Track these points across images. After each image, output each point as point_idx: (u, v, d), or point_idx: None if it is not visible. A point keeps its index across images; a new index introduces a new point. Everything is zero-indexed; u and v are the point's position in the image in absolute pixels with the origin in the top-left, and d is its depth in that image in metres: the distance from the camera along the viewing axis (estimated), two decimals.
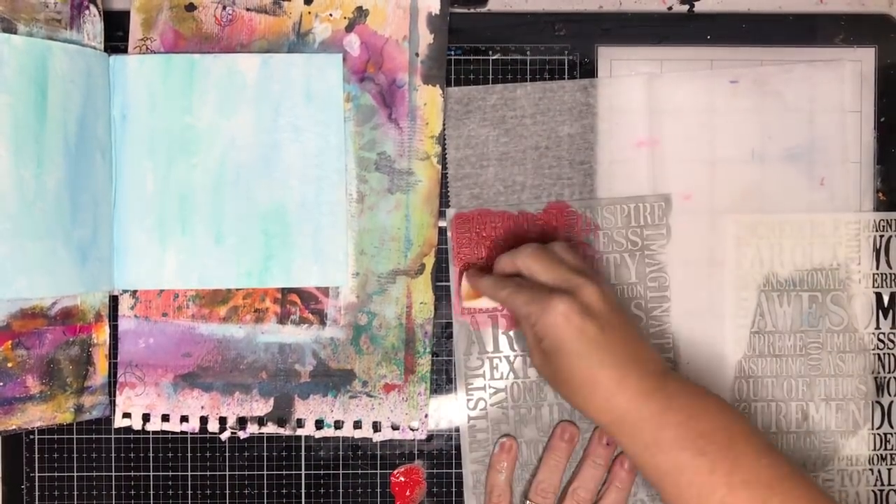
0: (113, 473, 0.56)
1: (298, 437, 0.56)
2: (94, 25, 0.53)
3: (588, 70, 0.56)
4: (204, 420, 0.55)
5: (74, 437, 0.56)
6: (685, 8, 0.57)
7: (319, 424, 0.55)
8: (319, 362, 0.55)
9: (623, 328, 0.48)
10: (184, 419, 0.55)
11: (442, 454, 0.56)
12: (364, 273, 0.55)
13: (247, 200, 0.54)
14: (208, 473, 0.56)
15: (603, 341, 0.47)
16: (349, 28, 0.55)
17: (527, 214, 0.56)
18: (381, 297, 0.55)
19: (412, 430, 0.56)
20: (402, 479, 0.56)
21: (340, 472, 0.56)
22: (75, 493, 0.56)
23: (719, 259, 0.56)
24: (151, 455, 0.56)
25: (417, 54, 0.55)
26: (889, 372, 0.57)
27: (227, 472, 0.56)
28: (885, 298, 0.57)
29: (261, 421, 0.55)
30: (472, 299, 0.54)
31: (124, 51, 0.55)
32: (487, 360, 0.56)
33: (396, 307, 0.55)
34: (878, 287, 0.56)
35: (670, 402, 0.46)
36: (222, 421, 0.55)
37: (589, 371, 0.47)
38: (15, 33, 0.50)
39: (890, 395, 0.57)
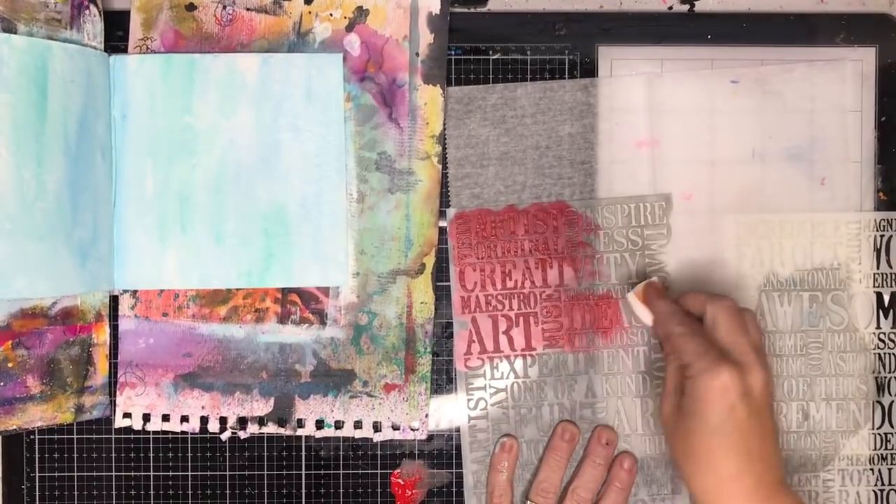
0: (113, 473, 0.56)
1: (299, 437, 0.56)
2: (94, 25, 0.53)
3: (588, 70, 0.56)
4: (204, 420, 0.55)
5: (75, 437, 0.56)
6: (685, 8, 0.57)
7: (320, 424, 0.55)
8: (320, 362, 0.55)
9: (766, 425, 0.47)
10: (184, 419, 0.55)
11: (442, 454, 0.56)
12: (364, 273, 0.55)
13: (247, 200, 0.54)
14: (208, 473, 0.56)
15: (745, 428, 0.46)
16: (349, 28, 0.55)
17: (515, 209, 0.56)
18: (381, 297, 0.55)
19: (412, 430, 0.56)
20: (402, 479, 0.56)
21: (341, 472, 0.56)
22: (75, 493, 0.56)
23: (719, 259, 0.56)
24: (151, 455, 0.56)
25: (418, 54, 0.55)
26: (889, 372, 0.56)
27: (228, 472, 0.56)
28: (886, 298, 0.56)
29: (261, 421, 0.55)
30: (639, 300, 0.53)
31: (124, 51, 0.55)
32: (487, 360, 0.56)
33: (397, 307, 0.55)
34: (878, 287, 0.56)
35: None
36: (223, 421, 0.55)
37: (717, 450, 0.46)
38: (15, 33, 0.50)
39: (890, 394, 0.57)
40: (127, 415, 0.55)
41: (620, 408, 0.56)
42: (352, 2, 0.55)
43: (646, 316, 0.52)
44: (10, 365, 0.51)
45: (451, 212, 0.56)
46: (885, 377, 0.56)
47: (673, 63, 0.56)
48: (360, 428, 0.55)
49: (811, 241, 0.56)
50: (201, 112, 0.54)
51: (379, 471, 0.56)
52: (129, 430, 0.56)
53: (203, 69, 0.54)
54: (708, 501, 0.47)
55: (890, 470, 0.56)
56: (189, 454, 0.56)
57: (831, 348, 0.56)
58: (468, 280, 0.56)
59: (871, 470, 0.56)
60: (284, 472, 0.56)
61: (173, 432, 0.56)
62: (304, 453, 0.56)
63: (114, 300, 0.55)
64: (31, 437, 0.56)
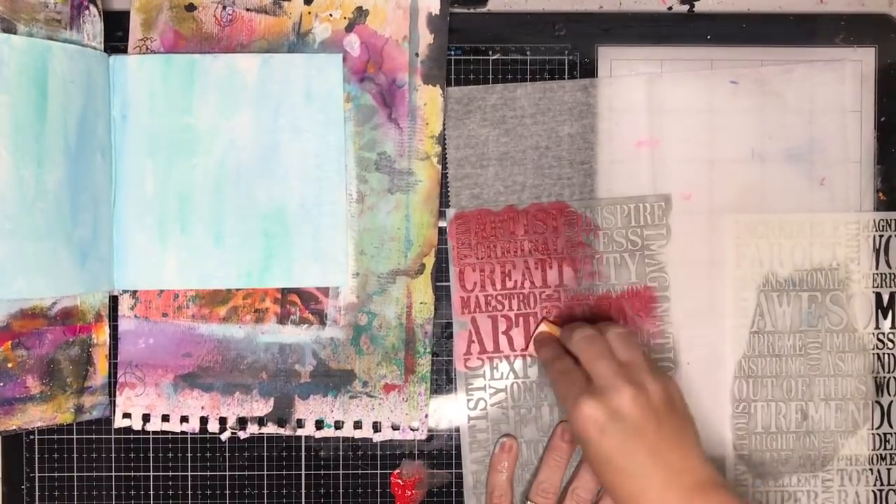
0: (113, 473, 0.56)
1: (298, 438, 0.56)
2: (94, 25, 0.53)
3: (588, 70, 0.56)
4: (204, 420, 0.55)
5: (74, 437, 0.56)
6: (685, 8, 0.57)
7: (319, 424, 0.55)
8: (319, 362, 0.55)
9: (656, 437, 0.46)
10: (184, 419, 0.55)
11: (442, 454, 0.56)
12: (364, 273, 0.55)
13: (247, 200, 0.54)
14: (208, 473, 0.56)
15: (626, 450, 0.46)
16: (349, 28, 0.55)
17: (515, 210, 0.56)
18: (381, 298, 0.55)
19: (412, 430, 0.56)
20: (402, 479, 0.56)
21: (340, 472, 0.56)
22: (75, 493, 0.56)
23: (719, 259, 0.56)
24: (151, 455, 0.56)
25: (417, 54, 0.55)
26: (888, 372, 0.57)
27: (227, 473, 0.56)
28: (885, 298, 0.57)
29: (261, 421, 0.55)
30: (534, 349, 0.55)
31: (124, 51, 0.55)
32: (487, 360, 0.56)
33: (396, 307, 0.55)
34: (877, 287, 0.57)
35: None
36: (222, 421, 0.55)
37: (613, 475, 0.46)
38: (15, 33, 0.50)
39: (889, 394, 0.57)
40: (127, 415, 0.55)
41: None
42: (352, 2, 0.55)
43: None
44: (9, 365, 0.51)
45: (450, 212, 0.56)
46: (884, 377, 0.57)
47: (673, 63, 0.56)
48: (360, 428, 0.55)
49: (810, 241, 0.56)
50: (201, 112, 0.54)
51: (379, 471, 0.56)
52: (128, 430, 0.56)
53: (203, 69, 0.54)
54: None
55: (889, 470, 0.56)
56: (189, 454, 0.56)
57: (830, 348, 0.56)
58: (468, 280, 0.56)
59: (870, 470, 0.56)
60: (284, 473, 0.56)
61: (173, 432, 0.56)
62: (303, 453, 0.56)
63: (113, 300, 0.55)
64: (31, 437, 0.56)
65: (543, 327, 0.55)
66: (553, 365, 0.51)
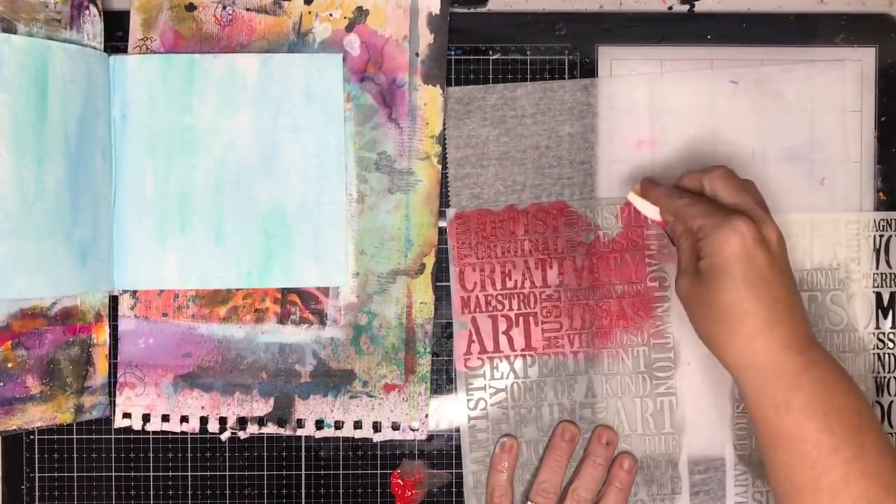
0: (113, 473, 0.56)
1: (298, 438, 0.56)
2: (94, 25, 0.53)
3: (588, 70, 0.56)
4: (204, 420, 0.55)
5: (74, 437, 0.56)
6: (685, 8, 0.57)
7: (320, 424, 0.55)
8: (320, 362, 0.55)
9: (789, 277, 0.46)
10: (184, 419, 0.55)
11: (442, 454, 0.56)
12: (364, 273, 0.55)
13: (247, 200, 0.54)
14: (208, 473, 0.56)
15: (769, 277, 0.44)
16: (349, 28, 0.55)
17: (515, 209, 0.56)
18: (381, 297, 0.55)
19: (412, 430, 0.56)
20: (402, 479, 0.56)
21: (340, 472, 0.56)
22: (75, 493, 0.56)
23: None
24: (151, 455, 0.56)
25: (417, 54, 0.55)
26: (889, 372, 0.57)
27: (227, 473, 0.56)
28: (885, 298, 0.57)
29: (261, 421, 0.55)
30: (638, 196, 0.52)
31: (124, 51, 0.55)
32: (488, 359, 0.56)
33: (396, 307, 0.55)
34: (877, 287, 0.56)
35: (811, 367, 0.44)
36: (222, 421, 0.55)
37: (743, 302, 0.44)
38: (15, 33, 0.50)
39: (890, 394, 0.57)
40: (127, 415, 0.55)
41: (620, 408, 0.56)
42: (352, 2, 0.55)
43: (649, 209, 0.51)
44: (9, 365, 0.51)
45: (450, 212, 0.56)
46: (885, 377, 0.57)
47: (673, 63, 0.56)
48: (360, 428, 0.55)
49: (810, 241, 0.56)
50: (201, 112, 0.54)
51: (379, 471, 0.56)
52: (128, 430, 0.56)
53: (203, 69, 0.54)
54: (740, 363, 0.45)
55: None
56: (189, 454, 0.56)
57: (830, 348, 0.56)
58: (468, 280, 0.56)
59: None
60: (284, 472, 0.56)
61: (173, 432, 0.56)
62: (303, 453, 0.56)
63: (113, 300, 0.55)
64: (31, 437, 0.56)
65: (636, 188, 0.52)
66: (680, 197, 0.48)
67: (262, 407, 0.55)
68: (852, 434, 0.43)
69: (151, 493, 0.56)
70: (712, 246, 0.45)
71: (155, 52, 0.55)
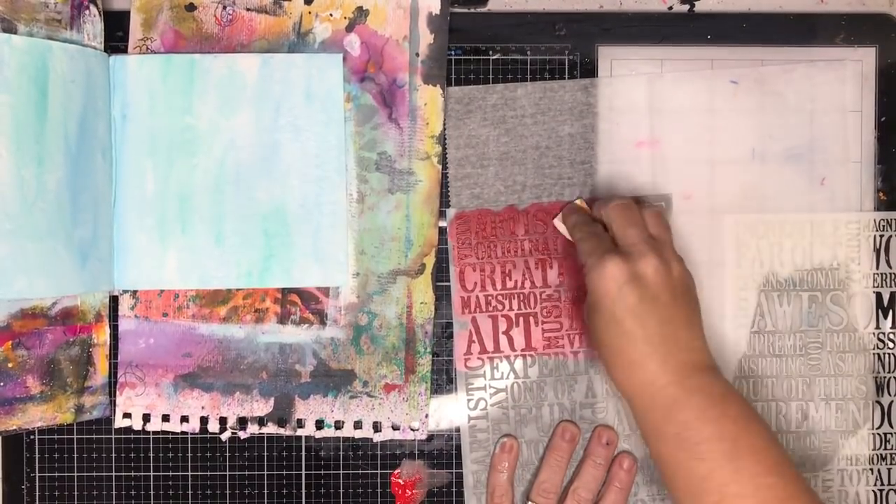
0: (113, 473, 0.56)
1: (299, 438, 0.56)
2: (94, 25, 0.53)
3: (588, 70, 0.56)
4: (204, 420, 0.55)
5: (75, 437, 0.56)
6: (685, 8, 0.57)
7: (320, 424, 0.55)
8: (320, 362, 0.55)
9: (668, 310, 0.47)
10: (184, 419, 0.55)
11: (442, 454, 0.56)
12: (364, 273, 0.55)
13: (247, 200, 0.54)
14: (208, 473, 0.56)
15: (639, 313, 0.46)
16: (349, 28, 0.55)
17: (514, 209, 0.56)
18: (381, 297, 0.55)
19: (412, 430, 0.56)
20: (402, 479, 0.56)
21: (341, 472, 0.56)
22: (75, 493, 0.56)
23: (719, 259, 0.56)
24: (151, 455, 0.56)
25: (418, 54, 0.55)
26: (889, 371, 0.57)
27: (227, 472, 0.56)
28: (885, 298, 0.57)
29: (261, 421, 0.55)
30: (560, 222, 0.55)
31: (124, 51, 0.55)
32: (488, 359, 0.56)
33: (397, 307, 0.55)
34: (878, 287, 0.57)
35: (684, 398, 0.46)
36: (222, 421, 0.55)
37: (616, 338, 0.47)
38: (15, 33, 0.50)
39: (890, 394, 0.57)
40: (127, 415, 0.55)
41: (620, 408, 0.56)
42: (352, 2, 0.55)
43: (567, 233, 0.54)
44: (10, 365, 0.51)
45: (451, 212, 0.56)
46: (885, 377, 0.57)
47: (673, 63, 0.56)
48: (360, 428, 0.55)
49: (811, 241, 0.56)
50: (201, 112, 0.54)
51: (379, 471, 0.56)
52: (129, 430, 0.56)
53: (203, 69, 0.54)
54: (623, 392, 0.48)
55: (889, 470, 0.56)
56: (189, 454, 0.56)
57: (830, 348, 0.56)
58: (468, 280, 0.56)
59: (871, 470, 0.56)
60: (284, 473, 0.56)
61: (173, 432, 0.56)
62: (304, 453, 0.56)
63: (114, 300, 0.55)
64: (31, 437, 0.56)
65: (577, 202, 0.55)
66: (582, 227, 0.52)
67: (262, 407, 0.55)
68: (724, 460, 0.44)
69: (151, 493, 0.56)
70: (590, 285, 0.48)
71: (155, 52, 0.55)
